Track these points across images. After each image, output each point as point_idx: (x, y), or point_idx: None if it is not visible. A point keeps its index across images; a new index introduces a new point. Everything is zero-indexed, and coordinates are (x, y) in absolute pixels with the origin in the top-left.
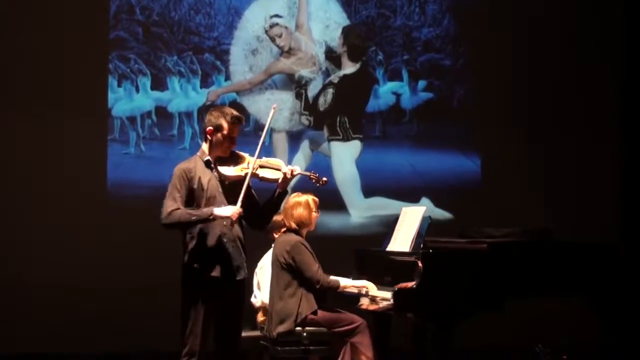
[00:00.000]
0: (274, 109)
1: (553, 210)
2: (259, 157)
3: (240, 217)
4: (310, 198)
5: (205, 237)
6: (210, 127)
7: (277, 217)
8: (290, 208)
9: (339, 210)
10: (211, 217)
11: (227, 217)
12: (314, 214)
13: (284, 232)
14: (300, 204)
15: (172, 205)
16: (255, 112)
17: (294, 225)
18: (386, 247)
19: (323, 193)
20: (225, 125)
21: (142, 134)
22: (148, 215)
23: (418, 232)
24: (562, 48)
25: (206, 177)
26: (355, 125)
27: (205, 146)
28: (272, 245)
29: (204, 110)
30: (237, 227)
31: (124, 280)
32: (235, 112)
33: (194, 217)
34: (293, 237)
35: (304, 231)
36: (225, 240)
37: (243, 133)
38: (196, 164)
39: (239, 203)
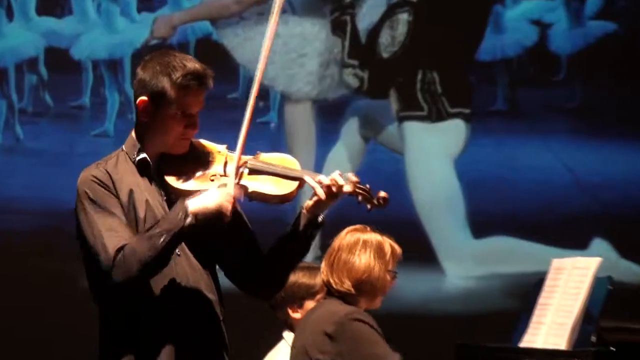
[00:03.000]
0: None
1: None
2: (247, 152)
3: (212, 266)
4: (387, 241)
5: (143, 309)
6: (144, 97)
7: (303, 278)
8: (346, 250)
9: (421, 264)
10: (188, 221)
11: (219, 212)
12: (388, 275)
13: (320, 300)
14: (367, 245)
15: (116, 240)
16: (249, 61)
17: (348, 284)
18: (520, 339)
19: (387, 227)
20: (170, 90)
21: (19, 105)
22: (32, 261)
23: (585, 309)
24: None
25: (142, 193)
26: (454, 89)
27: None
28: (286, 331)
29: (145, 56)
30: (209, 291)
31: None
32: (191, 64)
33: (163, 240)
34: (340, 308)
35: (363, 302)
36: (182, 314)
37: (225, 103)
38: (119, 167)
39: (237, 156)
